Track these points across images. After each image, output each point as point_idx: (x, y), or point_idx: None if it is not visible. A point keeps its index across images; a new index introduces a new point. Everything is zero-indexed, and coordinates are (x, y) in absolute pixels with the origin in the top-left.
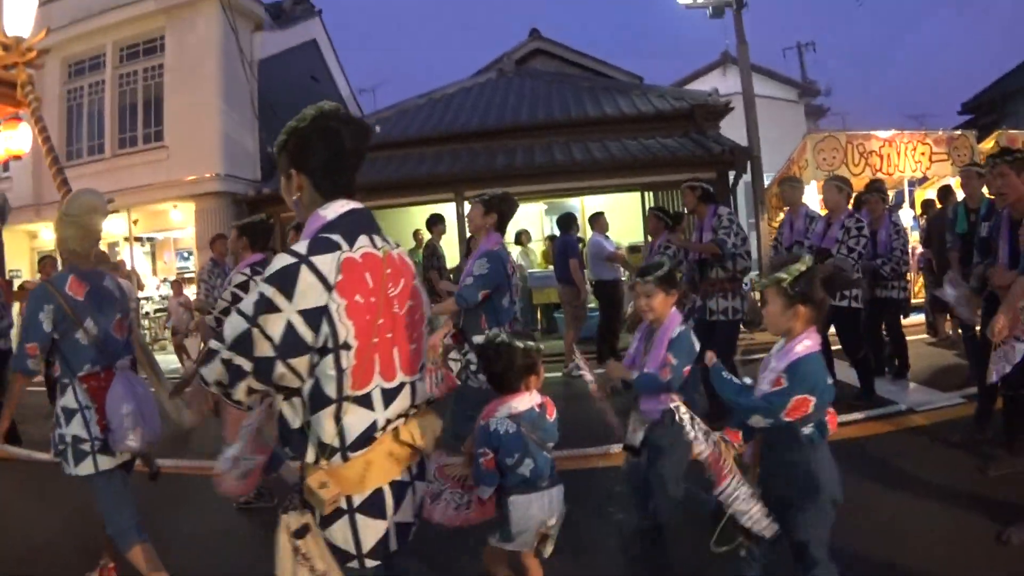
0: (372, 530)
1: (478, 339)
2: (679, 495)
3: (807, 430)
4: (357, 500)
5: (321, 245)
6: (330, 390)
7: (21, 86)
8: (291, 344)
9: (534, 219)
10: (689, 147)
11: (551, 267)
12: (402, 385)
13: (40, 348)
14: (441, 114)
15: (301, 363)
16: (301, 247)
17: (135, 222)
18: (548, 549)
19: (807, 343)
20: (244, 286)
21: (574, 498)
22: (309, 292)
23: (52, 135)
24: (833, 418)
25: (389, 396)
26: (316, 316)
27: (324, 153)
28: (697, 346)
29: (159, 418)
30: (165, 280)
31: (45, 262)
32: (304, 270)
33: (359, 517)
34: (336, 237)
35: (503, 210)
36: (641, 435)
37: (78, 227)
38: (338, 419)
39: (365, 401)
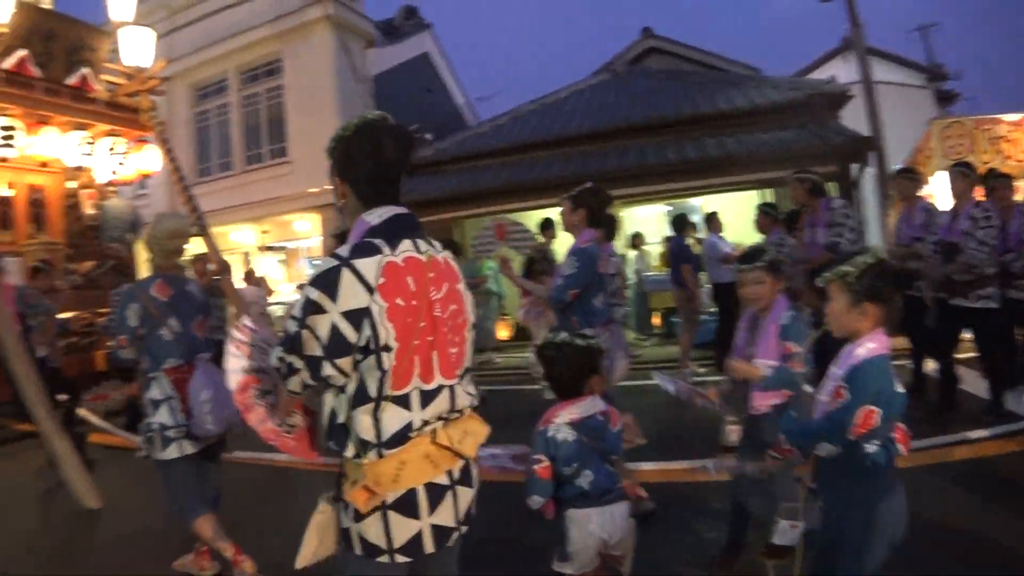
0: (404, 528)
1: None
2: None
3: (871, 448)
4: (391, 498)
5: (363, 249)
6: (371, 389)
7: (145, 112)
8: (336, 344)
9: (653, 221)
10: (807, 139)
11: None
12: (440, 388)
13: (128, 340)
14: (553, 118)
15: (346, 362)
16: (344, 251)
17: (265, 232)
18: (625, 572)
19: (871, 346)
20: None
21: (662, 514)
22: (351, 294)
23: (183, 156)
24: (905, 438)
25: (427, 398)
26: (358, 317)
27: (366, 162)
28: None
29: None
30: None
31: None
32: (346, 273)
33: (391, 514)
34: (378, 241)
35: (592, 204)
36: (738, 434)
37: (160, 247)
38: (376, 417)
39: (402, 401)
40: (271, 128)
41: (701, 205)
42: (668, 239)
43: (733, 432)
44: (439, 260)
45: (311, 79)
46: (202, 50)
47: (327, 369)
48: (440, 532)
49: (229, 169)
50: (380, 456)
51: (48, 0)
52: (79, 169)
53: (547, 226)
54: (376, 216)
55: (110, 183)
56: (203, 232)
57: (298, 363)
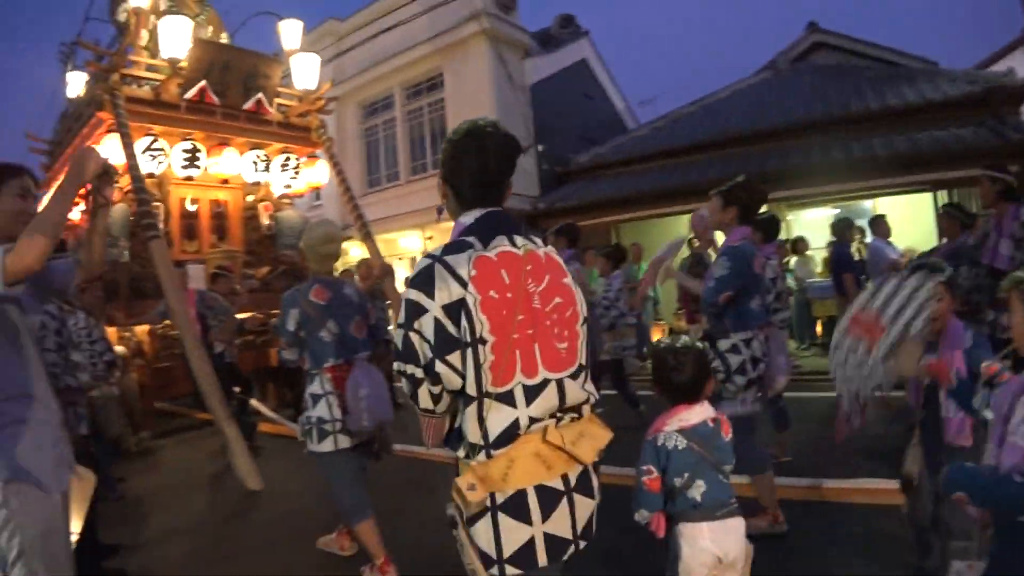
0: (514, 534)
1: (723, 344)
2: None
3: None
4: (500, 498)
5: (454, 247)
6: (471, 387)
7: (315, 130)
8: (443, 341)
9: (819, 225)
10: (985, 137)
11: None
12: (546, 382)
13: (288, 343)
14: (711, 120)
15: (455, 359)
16: (436, 250)
17: (429, 238)
18: None
19: None
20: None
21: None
22: (446, 288)
23: (354, 168)
24: None
25: (532, 393)
26: (456, 310)
27: (467, 167)
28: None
29: (390, 403)
30: None
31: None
32: (439, 268)
33: (501, 516)
34: (471, 239)
35: (745, 200)
36: (919, 465)
37: (315, 253)
38: (481, 417)
39: (507, 398)
40: (433, 140)
41: (872, 208)
42: (831, 244)
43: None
44: (539, 254)
45: (470, 91)
46: (368, 70)
47: (440, 367)
48: (554, 543)
49: (396, 179)
50: (488, 456)
51: (226, 35)
52: (256, 184)
53: None
54: (470, 216)
55: (284, 196)
56: (367, 239)
57: (417, 371)
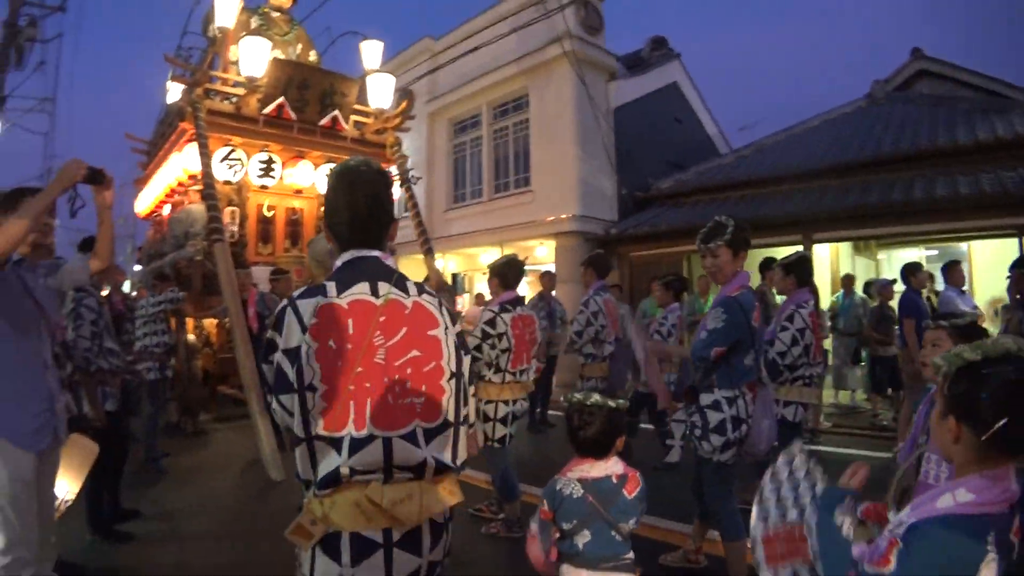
0: (326, 568)
1: (705, 399)
2: None
3: None
4: (319, 535)
5: (310, 291)
6: (299, 429)
7: (389, 147)
8: (280, 382)
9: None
10: None
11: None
12: (371, 438)
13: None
14: (797, 149)
15: (287, 400)
16: (296, 292)
17: None
18: None
19: (960, 495)
20: (491, 323)
21: None
22: (290, 332)
23: (441, 183)
24: None
25: (355, 446)
26: (294, 355)
27: (339, 208)
28: None
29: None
30: None
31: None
32: (289, 312)
33: (318, 551)
34: (329, 284)
35: (742, 243)
36: None
37: (318, 264)
38: (312, 458)
39: (336, 444)
40: (517, 159)
41: (967, 251)
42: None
43: None
44: (403, 304)
45: (553, 113)
46: (459, 88)
47: (275, 405)
48: None
49: (479, 196)
50: (315, 496)
51: (314, 53)
52: None
53: (767, 266)
54: (341, 260)
55: None
56: (427, 255)
57: (272, 399)
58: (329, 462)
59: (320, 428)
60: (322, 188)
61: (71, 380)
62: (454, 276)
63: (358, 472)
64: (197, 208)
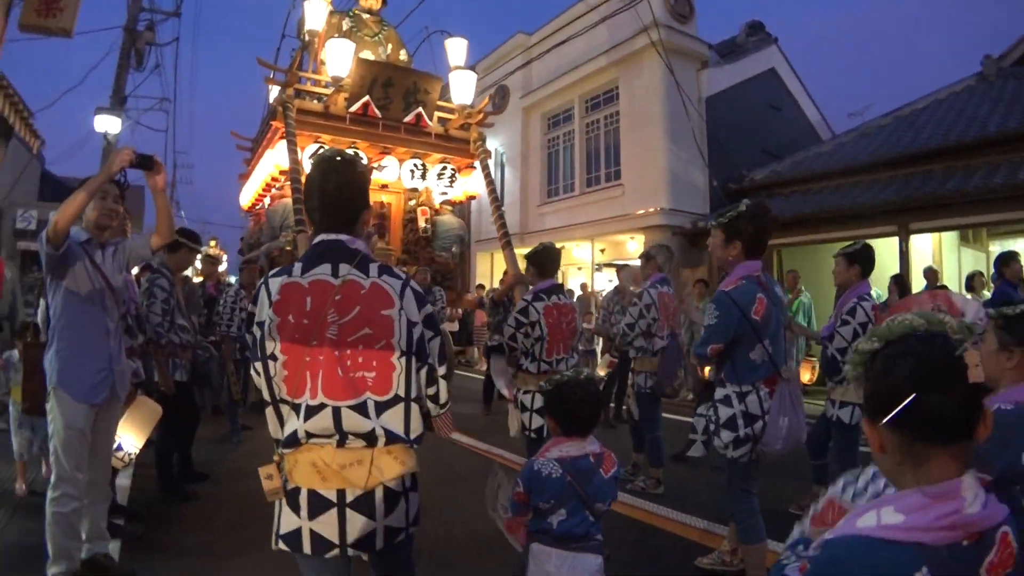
0: (287, 519)
1: (718, 394)
2: None
3: None
4: (288, 487)
5: (282, 270)
6: (265, 393)
7: (473, 142)
8: (255, 350)
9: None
10: None
11: None
12: (322, 406)
13: None
14: (902, 134)
15: (259, 366)
16: (272, 272)
17: (602, 251)
18: None
19: (887, 514)
20: (524, 311)
21: None
22: (262, 307)
23: (535, 177)
24: None
25: (309, 412)
26: (262, 327)
27: (312, 194)
28: None
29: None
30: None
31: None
32: (263, 289)
33: (283, 504)
34: (297, 264)
35: (751, 233)
36: None
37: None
38: (280, 418)
39: (296, 409)
40: (607, 152)
41: None
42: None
43: None
44: (360, 284)
45: (642, 105)
46: (552, 82)
47: (252, 370)
48: (319, 540)
49: (571, 191)
50: (282, 454)
51: (405, 52)
52: (414, 190)
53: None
54: (313, 242)
55: (445, 202)
56: (506, 247)
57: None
58: (291, 424)
59: (283, 393)
60: (408, 183)
61: (142, 349)
62: None
63: (313, 435)
64: (291, 201)
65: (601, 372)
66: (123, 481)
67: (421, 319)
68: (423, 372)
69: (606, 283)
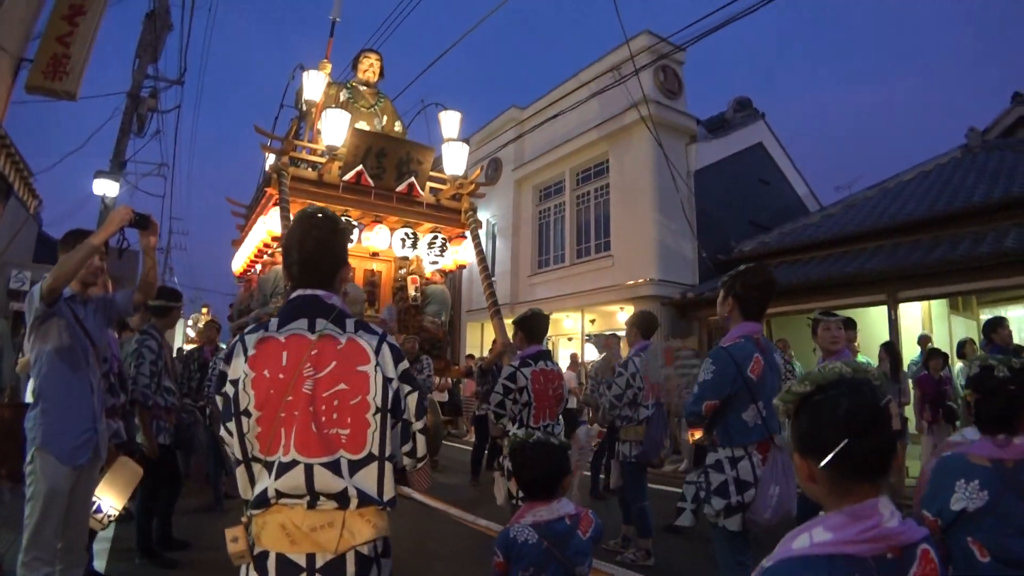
0: None
1: (710, 459)
2: None
3: None
4: (256, 551)
5: (258, 327)
6: (237, 451)
7: (464, 212)
8: (226, 408)
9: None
10: None
11: None
12: (294, 463)
13: None
14: (888, 204)
15: (232, 426)
16: (248, 328)
17: (592, 321)
18: None
19: (818, 533)
20: (511, 377)
21: None
22: (238, 364)
23: (526, 248)
24: None
25: (281, 470)
26: (236, 383)
27: (291, 250)
28: None
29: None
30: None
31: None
32: (238, 345)
33: (250, 569)
34: (273, 320)
35: (741, 292)
36: None
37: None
38: (250, 478)
39: (269, 467)
40: (597, 224)
41: None
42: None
43: None
44: (338, 340)
45: (632, 178)
46: (544, 155)
47: (223, 432)
48: None
49: (562, 261)
50: (251, 516)
51: (400, 124)
52: (405, 259)
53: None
54: (290, 297)
55: (435, 271)
56: (494, 316)
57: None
58: (261, 483)
59: (256, 451)
60: (399, 252)
61: (124, 409)
62: None
63: (284, 495)
64: (273, 270)
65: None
66: (101, 545)
67: (398, 374)
68: (398, 427)
69: (596, 354)
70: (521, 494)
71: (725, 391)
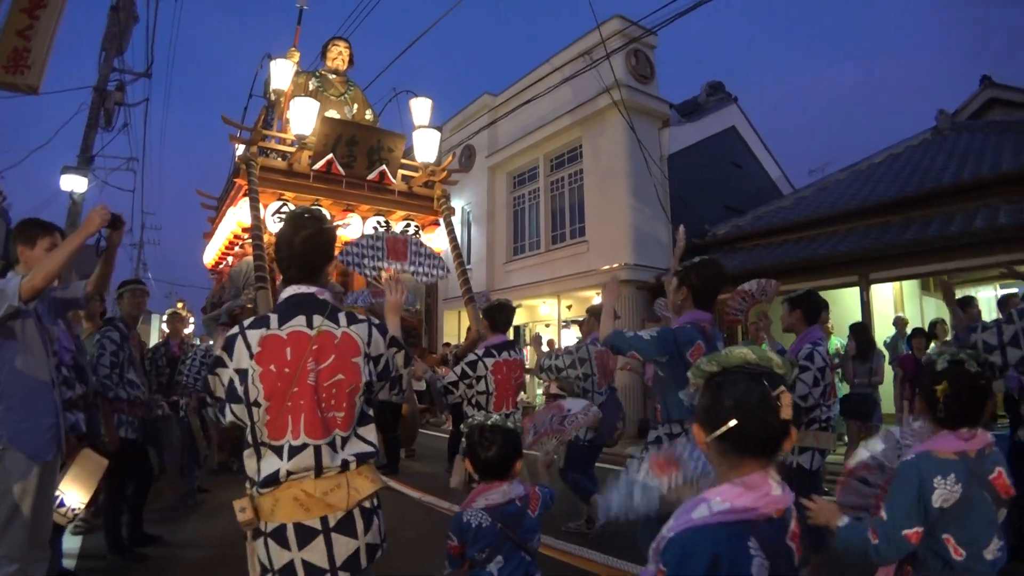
0: (279, 555)
1: (651, 435)
2: None
3: None
4: (269, 527)
5: (257, 322)
6: (248, 436)
7: (436, 199)
8: (232, 392)
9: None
10: None
11: None
12: (305, 446)
13: None
14: (859, 187)
15: (239, 410)
16: (247, 322)
17: (568, 307)
18: None
19: (716, 503)
20: (472, 365)
21: None
22: (240, 356)
23: (502, 235)
24: None
25: (293, 452)
26: (243, 375)
27: (282, 249)
28: None
29: None
30: None
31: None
32: (239, 338)
33: (270, 542)
34: (272, 316)
35: (695, 283)
36: None
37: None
38: (257, 460)
39: (278, 451)
40: (572, 210)
41: None
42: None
43: None
44: (333, 334)
45: (606, 163)
46: (517, 141)
47: (227, 412)
48: (311, 569)
49: (537, 248)
50: (259, 493)
51: (371, 112)
52: None
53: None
54: (283, 295)
55: None
56: (469, 304)
57: (210, 400)
58: (270, 464)
59: (266, 437)
60: None
61: (85, 401)
62: (516, 329)
63: (293, 473)
64: (243, 261)
65: None
66: (71, 544)
67: (386, 344)
68: (387, 384)
69: (573, 340)
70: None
71: (649, 355)
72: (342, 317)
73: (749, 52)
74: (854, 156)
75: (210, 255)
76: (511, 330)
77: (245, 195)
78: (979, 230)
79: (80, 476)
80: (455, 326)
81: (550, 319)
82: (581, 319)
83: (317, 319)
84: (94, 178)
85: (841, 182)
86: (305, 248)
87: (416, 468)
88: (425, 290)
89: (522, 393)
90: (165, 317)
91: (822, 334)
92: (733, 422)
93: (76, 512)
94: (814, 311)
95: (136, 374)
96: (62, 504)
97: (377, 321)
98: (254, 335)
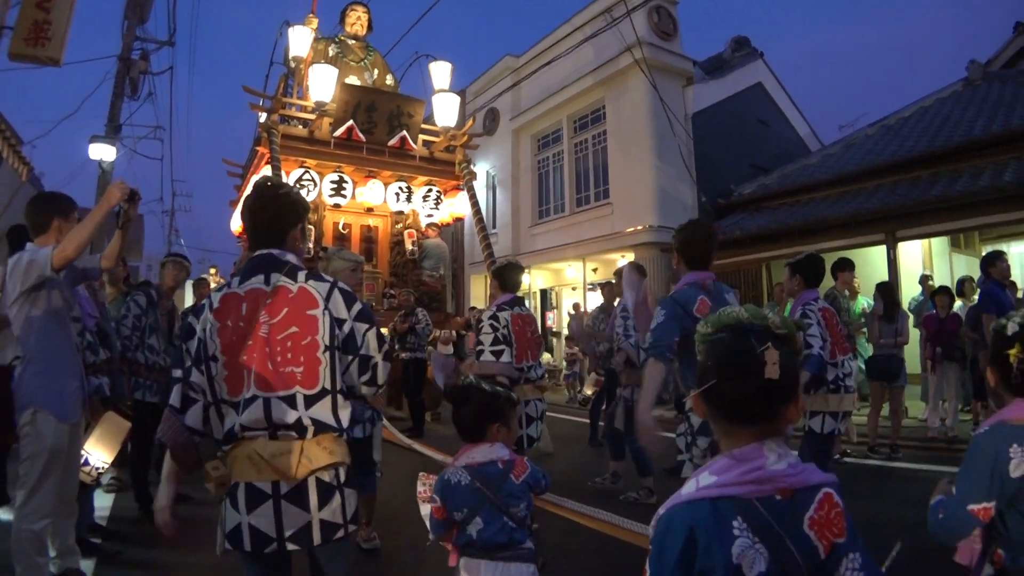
0: (231, 517)
1: (688, 403)
2: None
3: None
4: (219, 480)
5: (224, 286)
6: (208, 393)
7: (458, 164)
8: (199, 354)
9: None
10: None
11: None
12: (255, 398)
13: None
14: (888, 142)
15: (204, 368)
16: (214, 287)
17: (595, 270)
18: None
19: (704, 478)
20: (494, 318)
21: None
22: (205, 315)
23: (526, 199)
24: None
25: (244, 405)
26: (205, 331)
27: (247, 215)
28: None
29: None
30: None
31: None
32: (207, 301)
33: (226, 502)
34: (235, 278)
35: (679, 246)
36: None
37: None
38: (218, 416)
39: (235, 406)
40: (596, 172)
41: None
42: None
43: None
44: (288, 289)
45: (629, 123)
46: (541, 103)
47: (194, 374)
48: (257, 535)
49: (562, 211)
50: (222, 450)
51: (391, 77)
52: (400, 213)
53: (840, 268)
54: (249, 257)
55: (431, 224)
56: (492, 267)
57: (178, 373)
58: (230, 420)
59: (225, 393)
60: (393, 206)
61: (110, 367)
62: (542, 292)
63: (248, 428)
64: None
65: (588, 391)
66: (103, 502)
67: (352, 316)
68: (355, 362)
69: (598, 302)
70: None
71: (675, 330)
72: (301, 275)
73: (776, 4)
74: (888, 110)
75: (237, 222)
76: (537, 294)
77: (267, 163)
78: (1008, 184)
79: (104, 437)
80: (482, 290)
81: (576, 282)
82: (606, 282)
83: (275, 276)
84: (122, 147)
85: (870, 137)
86: (270, 215)
87: (441, 431)
88: (450, 256)
89: (547, 355)
90: (191, 283)
91: (816, 295)
92: (712, 381)
93: (100, 471)
94: (814, 275)
95: (158, 340)
96: (87, 463)
97: (346, 287)
98: (216, 295)
